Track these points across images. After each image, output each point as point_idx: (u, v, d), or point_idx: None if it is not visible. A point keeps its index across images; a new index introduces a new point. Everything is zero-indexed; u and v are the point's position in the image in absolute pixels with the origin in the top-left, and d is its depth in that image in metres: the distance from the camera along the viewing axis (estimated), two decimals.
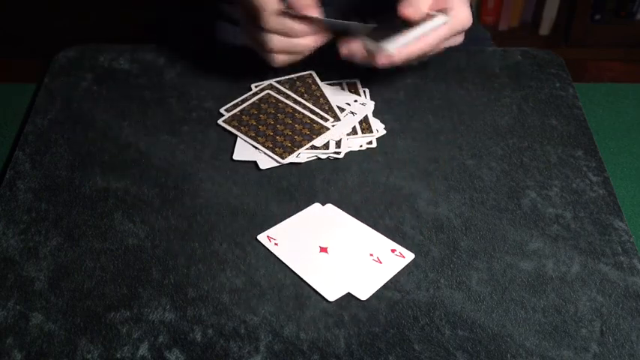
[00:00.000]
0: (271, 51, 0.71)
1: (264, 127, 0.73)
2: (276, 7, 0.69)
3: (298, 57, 0.73)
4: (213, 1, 0.94)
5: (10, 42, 1.92)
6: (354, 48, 0.71)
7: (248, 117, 0.73)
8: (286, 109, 0.74)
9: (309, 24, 0.70)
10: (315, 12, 0.70)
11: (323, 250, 0.62)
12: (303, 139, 0.71)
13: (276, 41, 0.71)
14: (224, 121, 0.74)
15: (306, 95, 0.76)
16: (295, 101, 0.75)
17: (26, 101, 0.81)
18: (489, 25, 1.96)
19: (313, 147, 0.71)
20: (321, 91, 0.76)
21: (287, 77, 0.78)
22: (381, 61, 0.70)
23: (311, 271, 0.60)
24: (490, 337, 0.56)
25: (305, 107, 0.75)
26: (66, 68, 0.82)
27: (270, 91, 0.76)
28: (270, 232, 0.63)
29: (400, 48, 0.70)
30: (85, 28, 1.82)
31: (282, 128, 0.72)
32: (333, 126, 0.73)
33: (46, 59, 0.84)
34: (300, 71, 0.79)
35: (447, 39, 0.73)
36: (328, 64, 0.80)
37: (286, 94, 0.76)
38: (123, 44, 0.85)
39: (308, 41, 0.72)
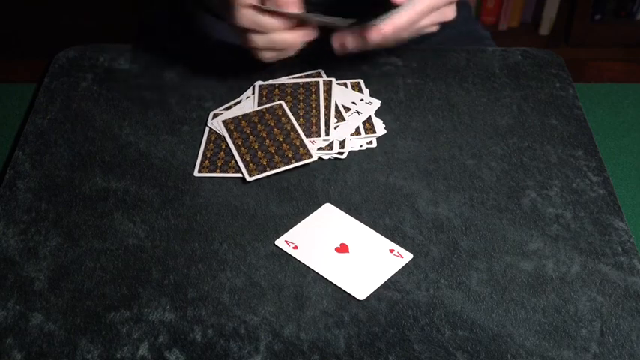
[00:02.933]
0: (255, 48, 0.69)
1: (254, 139, 0.71)
2: (247, 2, 0.66)
3: (286, 53, 0.70)
4: None
5: (10, 42, 1.92)
6: (345, 38, 0.69)
7: (246, 123, 0.71)
8: (286, 126, 0.72)
9: (285, 19, 0.67)
10: (293, 7, 0.67)
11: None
12: (281, 162, 0.69)
13: (254, 38, 0.68)
14: (223, 121, 0.73)
15: (304, 103, 0.74)
16: (298, 117, 0.73)
17: (26, 101, 0.81)
18: (489, 25, 1.95)
19: (319, 148, 0.71)
20: (326, 94, 0.76)
21: (293, 81, 0.77)
22: (372, 37, 0.67)
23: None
24: (490, 337, 0.56)
25: (304, 122, 0.73)
26: (66, 68, 0.82)
27: (283, 102, 0.74)
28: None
29: (388, 21, 0.67)
30: (85, 28, 1.82)
31: (269, 144, 0.70)
32: (316, 151, 0.70)
33: (46, 59, 0.84)
34: (309, 69, 0.78)
35: (436, 8, 0.70)
36: (332, 63, 0.80)
37: (295, 107, 0.74)
38: (123, 44, 0.85)
39: (291, 37, 0.69)
